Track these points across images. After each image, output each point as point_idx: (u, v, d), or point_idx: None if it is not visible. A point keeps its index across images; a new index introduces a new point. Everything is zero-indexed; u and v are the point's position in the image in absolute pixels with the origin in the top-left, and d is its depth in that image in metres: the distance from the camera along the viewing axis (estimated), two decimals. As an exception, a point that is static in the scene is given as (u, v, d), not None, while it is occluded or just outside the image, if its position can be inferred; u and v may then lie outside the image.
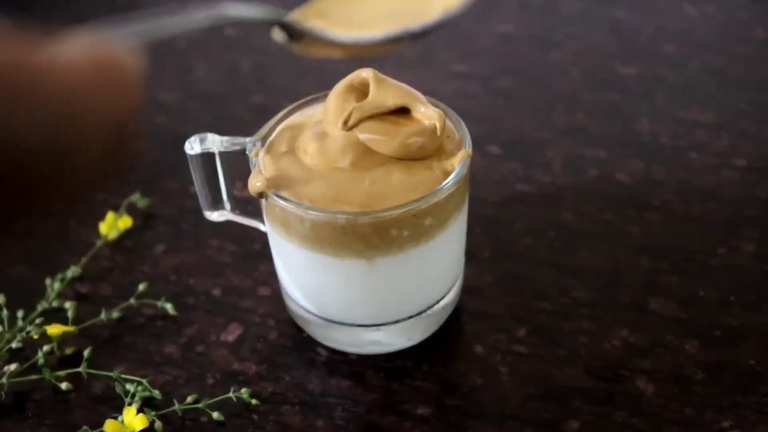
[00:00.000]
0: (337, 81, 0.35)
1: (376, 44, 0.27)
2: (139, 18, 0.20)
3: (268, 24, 0.25)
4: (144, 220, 0.48)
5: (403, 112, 0.35)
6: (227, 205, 0.39)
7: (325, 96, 0.37)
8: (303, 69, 0.61)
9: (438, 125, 0.34)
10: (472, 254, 0.43)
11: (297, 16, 0.28)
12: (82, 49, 0.16)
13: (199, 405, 0.37)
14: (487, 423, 0.36)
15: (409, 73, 0.60)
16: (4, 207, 0.15)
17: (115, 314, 0.42)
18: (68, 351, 0.40)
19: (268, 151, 0.36)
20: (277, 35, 0.27)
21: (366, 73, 0.34)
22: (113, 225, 0.46)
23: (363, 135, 0.34)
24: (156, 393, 0.38)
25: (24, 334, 0.40)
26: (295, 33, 0.26)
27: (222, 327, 0.41)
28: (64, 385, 0.38)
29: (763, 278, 0.43)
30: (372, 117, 0.34)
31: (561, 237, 0.46)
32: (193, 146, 0.36)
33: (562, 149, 0.52)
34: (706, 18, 0.65)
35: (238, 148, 0.36)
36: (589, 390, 0.38)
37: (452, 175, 0.34)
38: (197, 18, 0.21)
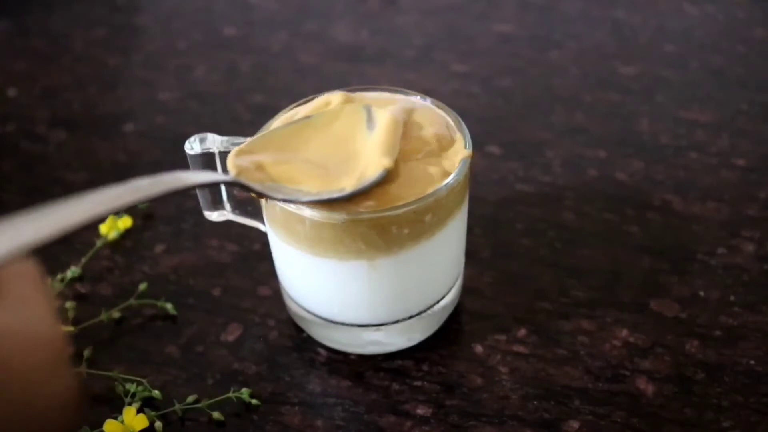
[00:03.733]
0: (337, 82, 0.35)
1: (302, 206, 0.32)
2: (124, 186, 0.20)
3: (223, 184, 0.32)
4: (144, 220, 0.48)
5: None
6: (227, 205, 0.39)
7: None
8: (303, 69, 0.61)
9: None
10: (472, 254, 0.43)
11: (249, 149, 0.33)
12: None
13: (199, 405, 0.37)
14: (487, 423, 0.36)
15: (409, 73, 0.60)
16: None
17: (115, 314, 0.42)
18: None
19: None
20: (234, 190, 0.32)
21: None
22: (113, 225, 0.46)
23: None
24: (156, 393, 0.38)
25: (24, 334, 0.40)
26: (247, 189, 0.32)
27: (222, 327, 0.41)
28: (64, 385, 0.38)
29: (763, 278, 0.43)
30: None
31: (561, 237, 0.46)
32: (193, 146, 0.36)
33: (562, 149, 0.52)
34: (706, 18, 0.65)
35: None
36: (589, 390, 0.37)
37: (452, 175, 0.34)
38: (162, 184, 0.23)
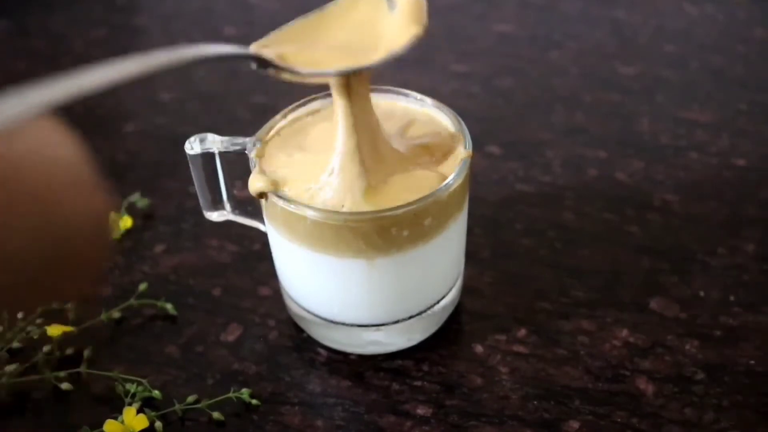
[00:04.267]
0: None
1: (330, 76, 0.32)
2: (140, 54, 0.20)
3: (244, 58, 0.30)
4: (144, 220, 0.48)
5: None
6: (227, 205, 0.39)
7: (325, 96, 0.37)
8: (303, 69, 0.61)
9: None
10: (472, 254, 0.43)
11: (268, 44, 0.32)
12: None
13: (199, 405, 0.37)
14: (487, 423, 0.36)
15: (409, 73, 0.60)
16: None
17: (115, 314, 0.42)
18: (68, 351, 0.40)
19: (268, 150, 0.36)
20: (253, 65, 0.31)
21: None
22: (113, 225, 0.46)
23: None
24: (156, 393, 0.38)
25: (24, 334, 0.40)
26: (266, 64, 0.31)
27: (222, 327, 0.41)
28: (64, 385, 0.38)
29: (763, 278, 0.43)
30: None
31: (561, 237, 0.46)
32: (193, 146, 0.36)
33: (562, 149, 0.52)
34: (706, 18, 0.65)
35: (238, 148, 0.36)
36: (589, 390, 0.37)
37: (452, 175, 0.34)
38: (185, 55, 0.24)
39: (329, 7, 0.34)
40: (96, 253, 0.13)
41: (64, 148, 0.14)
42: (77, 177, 0.13)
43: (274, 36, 0.33)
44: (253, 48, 0.32)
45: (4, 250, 0.12)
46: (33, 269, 0.13)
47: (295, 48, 0.32)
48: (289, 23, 0.34)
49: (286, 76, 0.31)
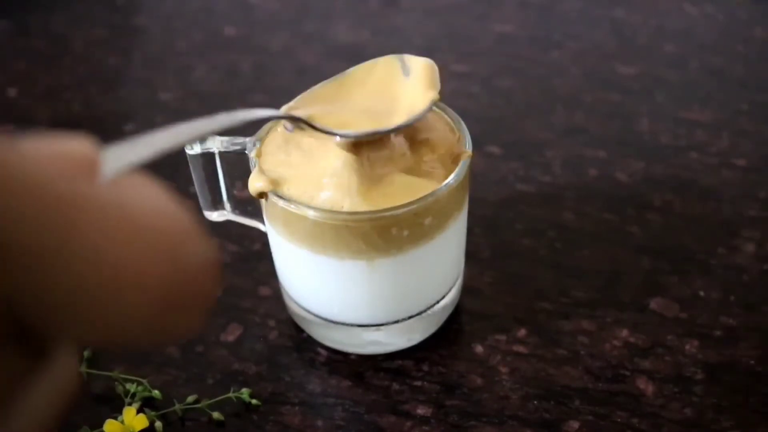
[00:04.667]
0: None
1: (362, 137, 0.34)
2: (169, 127, 0.22)
3: (281, 118, 0.33)
4: (144, 220, 0.48)
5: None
6: (227, 205, 0.39)
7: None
8: (303, 69, 0.61)
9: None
10: (472, 254, 0.43)
11: (296, 106, 0.35)
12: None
13: (199, 405, 0.37)
14: (487, 423, 0.36)
15: (409, 73, 0.60)
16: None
17: (115, 314, 0.42)
18: (68, 351, 0.40)
19: (268, 150, 0.36)
20: (288, 126, 0.35)
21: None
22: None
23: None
24: (156, 393, 0.38)
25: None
26: (302, 125, 0.33)
27: (222, 327, 0.41)
28: (64, 385, 0.38)
29: (763, 278, 0.43)
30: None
31: (561, 237, 0.46)
32: (193, 146, 0.36)
33: (562, 149, 0.52)
34: (706, 18, 0.65)
35: (238, 148, 0.36)
36: (589, 390, 0.38)
37: (452, 175, 0.34)
38: (227, 120, 0.26)
39: (348, 74, 0.37)
40: (207, 296, 0.14)
41: (164, 195, 0.15)
42: (185, 219, 0.14)
43: (300, 99, 0.35)
44: (284, 109, 0.34)
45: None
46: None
47: (321, 110, 0.34)
48: (312, 88, 0.36)
49: (315, 135, 0.34)
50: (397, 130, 0.34)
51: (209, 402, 0.37)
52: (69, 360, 0.15)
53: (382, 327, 0.38)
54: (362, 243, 0.34)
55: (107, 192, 0.13)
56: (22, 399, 0.13)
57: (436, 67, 0.37)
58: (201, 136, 0.23)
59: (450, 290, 0.39)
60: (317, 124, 0.33)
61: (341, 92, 0.36)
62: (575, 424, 0.36)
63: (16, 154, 0.12)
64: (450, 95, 0.56)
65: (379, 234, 0.33)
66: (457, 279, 0.40)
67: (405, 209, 0.33)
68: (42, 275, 0.11)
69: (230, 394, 0.38)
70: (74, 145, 0.14)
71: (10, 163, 0.11)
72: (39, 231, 0.11)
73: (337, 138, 0.33)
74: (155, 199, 0.14)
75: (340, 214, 0.33)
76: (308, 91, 0.36)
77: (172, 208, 0.14)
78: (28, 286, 0.11)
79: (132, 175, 0.15)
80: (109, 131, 0.56)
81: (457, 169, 0.34)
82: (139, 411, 0.37)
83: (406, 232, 0.34)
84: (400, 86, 0.36)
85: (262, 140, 0.36)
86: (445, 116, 0.38)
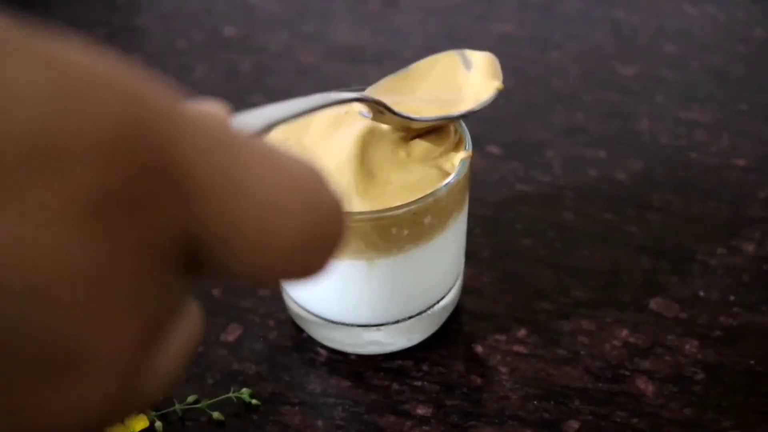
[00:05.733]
0: (337, 82, 0.36)
1: (436, 122, 0.36)
2: (266, 107, 0.23)
3: (359, 101, 0.33)
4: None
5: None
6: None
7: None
8: (303, 69, 0.61)
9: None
10: (472, 254, 0.43)
11: (373, 93, 0.36)
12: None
13: (199, 405, 0.37)
14: (487, 423, 0.36)
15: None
16: None
17: (115, 314, 0.42)
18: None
19: None
20: (364, 110, 0.35)
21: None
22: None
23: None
24: (156, 393, 0.38)
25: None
26: (380, 109, 0.34)
27: (222, 327, 0.41)
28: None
29: (763, 278, 0.43)
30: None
31: (561, 237, 0.46)
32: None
33: (562, 149, 0.52)
34: (706, 18, 0.65)
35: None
36: (589, 390, 0.38)
37: (452, 175, 0.34)
38: (317, 101, 0.27)
39: (411, 68, 0.38)
40: (339, 236, 0.15)
41: (290, 152, 0.16)
42: (316, 169, 0.16)
43: (370, 90, 0.37)
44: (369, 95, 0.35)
45: None
46: None
47: (391, 100, 0.35)
48: (377, 83, 0.37)
49: (384, 120, 0.35)
50: (468, 115, 0.35)
51: (209, 402, 0.37)
52: (197, 306, 0.16)
53: (382, 327, 0.38)
54: (362, 243, 0.34)
55: (256, 141, 0.14)
56: (173, 334, 0.14)
57: (497, 60, 0.38)
58: (306, 111, 0.26)
59: (450, 290, 0.39)
60: (397, 110, 0.34)
61: (405, 85, 0.37)
62: (575, 424, 0.36)
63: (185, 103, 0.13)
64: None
65: (378, 234, 0.33)
66: (457, 279, 0.40)
67: (404, 209, 0.33)
68: (214, 204, 0.12)
69: (230, 394, 0.38)
70: (212, 108, 0.16)
71: (185, 109, 0.12)
72: (216, 165, 0.12)
73: (415, 121, 0.34)
74: (288, 152, 0.15)
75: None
76: (374, 85, 0.37)
77: (304, 160, 0.15)
78: (206, 217, 0.12)
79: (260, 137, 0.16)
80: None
81: (456, 169, 0.34)
82: (139, 411, 0.37)
83: (405, 232, 0.34)
84: (463, 78, 0.38)
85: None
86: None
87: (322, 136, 0.35)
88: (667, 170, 0.50)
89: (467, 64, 0.38)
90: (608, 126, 0.54)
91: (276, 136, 0.36)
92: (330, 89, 0.39)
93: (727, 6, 0.66)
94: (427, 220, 0.34)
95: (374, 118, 0.35)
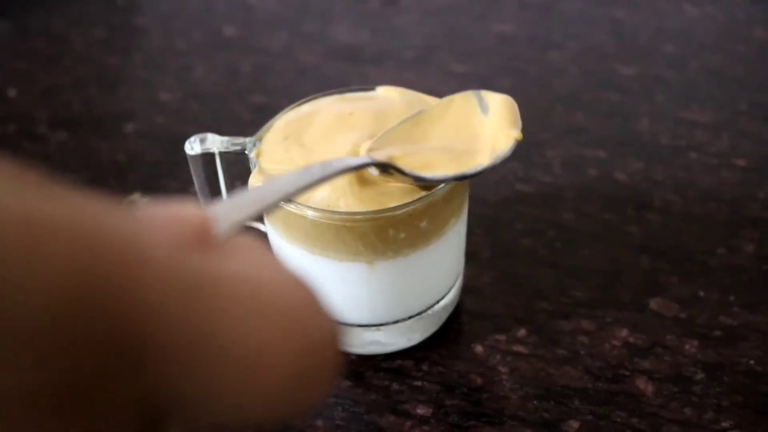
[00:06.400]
0: (337, 82, 0.36)
1: (450, 181, 0.33)
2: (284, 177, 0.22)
3: (367, 166, 0.32)
4: (144, 220, 0.48)
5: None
6: (227, 205, 0.39)
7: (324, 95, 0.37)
8: (303, 69, 0.61)
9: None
10: (472, 254, 0.43)
11: (376, 146, 0.33)
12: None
13: (199, 405, 0.37)
14: (487, 423, 0.36)
15: (409, 73, 0.60)
16: None
17: (115, 314, 0.41)
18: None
19: (267, 147, 0.36)
20: (374, 170, 0.33)
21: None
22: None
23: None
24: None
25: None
26: (389, 170, 0.32)
27: (222, 327, 0.41)
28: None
29: (763, 278, 0.43)
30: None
31: (561, 237, 0.46)
32: (193, 146, 0.36)
33: (562, 149, 0.52)
34: (706, 18, 0.65)
35: (238, 148, 0.36)
36: (589, 390, 0.38)
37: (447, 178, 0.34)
38: (315, 175, 0.24)
39: (424, 112, 0.35)
40: (334, 367, 0.13)
41: (281, 264, 0.14)
42: (308, 290, 0.14)
43: (380, 139, 0.34)
44: (367, 151, 0.33)
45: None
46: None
47: (401, 151, 0.33)
48: (390, 128, 0.34)
49: (402, 180, 0.33)
50: (483, 172, 0.33)
51: (209, 402, 0.37)
52: None
53: (382, 327, 0.38)
54: (360, 245, 0.34)
55: (235, 266, 0.12)
56: None
57: (515, 104, 0.36)
58: (302, 190, 0.23)
59: (450, 290, 0.39)
60: (406, 170, 0.32)
61: (419, 131, 0.35)
62: (575, 424, 0.36)
63: (141, 237, 0.11)
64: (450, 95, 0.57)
65: (376, 235, 0.33)
66: (457, 279, 0.40)
67: (403, 210, 0.33)
68: (182, 368, 0.11)
69: (230, 394, 0.37)
70: (186, 212, 0.13)
71: (150, 246, 0.11)
72: (185, 318, 0.11)
73: (429, 182, 0.33)
74: (276, 268, 0.13)
75: (338, 213, 0.33)
76: (386, 131, 0.34)
77: (293, 277, 0.13)
78: (168, 382, 0.11)
79: (245, 240, 0.14)
80: (109, 131, 0.56)
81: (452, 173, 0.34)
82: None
83: (403, 236, 0.34)
84: (480, 123, 0.35)
85: (261, 140, 0.36)
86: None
87: (324, 136, 0.35)
88: (667, 170, 0.50)
89: (484, 107, 0.36)
90: (608, 126, 0.54)
91: (276, 135, 0.36)
92: (330, 89, 0.39)
93: (727, 6, 0.66)
94: (423, 223, 0.34)
95: (383, 177, 0.33)
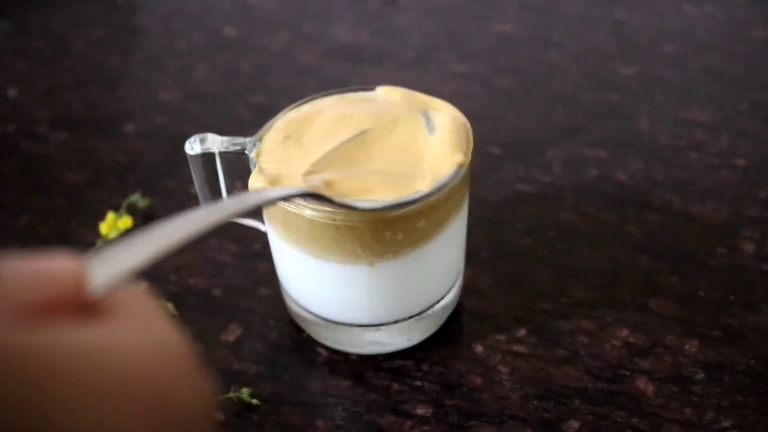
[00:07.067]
0: (337, 82, 0.35)
1: (385, 210, 0.32)
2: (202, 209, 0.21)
3: (291, 198, 0.31)
4: (144, 220, 0.48)
5: None
6: (227, 205, 0.39)
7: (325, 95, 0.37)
8: (302, 69, 0.61)
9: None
10: (472, 254, 0.43)
11: (314, 169, 0.32)
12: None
13: (199, 405, 0.37)
14: (487, 423, 0.36)
15: (409, 73, 0.60)
16: None
17: (115, 314, 0.42)
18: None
19: (267, 147, 0.36)
20: (305, 202, 0.32)
21: None
22: (113, 225, 0.46)
23: None
24: (156, 393, 0.37)
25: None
26: (323, 200, 0.31)
27: (222, 327, 0.41)
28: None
29: (763, 278, 0.43)
30: None
31: (561, 237, 0.46)
32: (193, 146, 0.36)
33: (562, 149, 0.52)
34: (706, 18, 0.65)
35: (238, 148, 0.36)
36: (589, 390, 0.38)
37: (442, 180, 0.34)
38: (252, 201, 0.24)
39: (371, 131, 0.35)
40: None
41: (165, 329, 0.13)
42: (184, 362, 0.13)
43: (320, 161, 0.33)
44: (306, 183, 0.32)
45: None
46: None
47: (340, 174, 0.32)
48: (332, 148, 0.34)
49: (335, 208, 0.32)
50: (422, 200, 0.32)
51: (209, 402, 0.37)
52: None
53: (382, 327, 0.38)
54: (358, 246, 0.34)
55: (84, 337, 0.11)
56: None
57: (465, 124, 0.35)
58: (204, 231, 0.20)
59: (450, 290, 0.39)
60: (336, 199, 0.31)
61: (362, 153, 0.34)
62: (575, 424, 0.36)
63: None
64: (450, 95, 0.57)
65: (373, 237, 0.33)
66: (457, 279, 0.40)
67: (401, 210, 0.32)
68: None
69: (230, 394, 0.38)
70: (55, 265, 0.12)
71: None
72: (7, 413, 0.10)
73: (362, 210, 0.32)
74: (153, 331, 0.12)
75: (337, 213, 0.33)
76: (328, 151, 0.34)
77: (170, 342, 0.12)
78: None
79: (133, 294, 0.13)
80: (109, 131, 0.56)
81: (449, 174, 0.34)
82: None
83: (400, 236, 0.34)
84: (424, 144, 0.34)
85: (261, 140, 0.36)
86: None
87: (324, 136, 0.35)
88: (667, 170, 0.50)
89: (431, 127, 0.35)
90: (608, 126, 0.54)
91: (276, 135, 0.36)
92: (330, 89, 0.39)
93: (727, 6, 0.66)
94: (421, 221, 0.34)
95: (317, 207, 0.32)
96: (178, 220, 0.19)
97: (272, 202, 0.29)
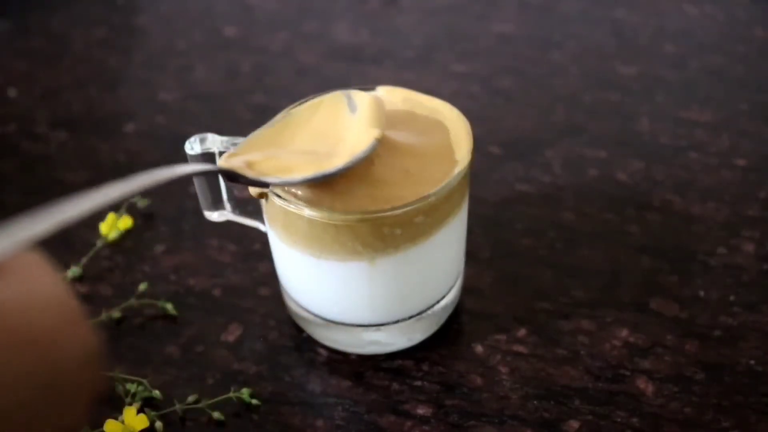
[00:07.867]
0: (337, 82, 0.35)
1: (297, 184, 0.33)
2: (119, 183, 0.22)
3: (215, 173, 0.33)
4: (144, 220, 0.48)
5: None
6: (227, 206, 0.39)
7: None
8: (302, 69, 0.61)
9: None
10: (472, 254, 0.43)
11: (238, 152, 0.33)
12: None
13: (199, 405, 0.37)
14: (487, 423, 0.36)
15: (409, 73, 0.60)
16: None
17: (115, 314, 0.42)
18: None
19: (251, 142, 0.35)
20: (222, 179, 0.33)
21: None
22: (113, 225, 0.46)
23: None
24: (156, 393, 0.38)
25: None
26: (235, 177, 0.32)
27: (222, 327, 0.41)
28: (63, 386, 0.38)
29: (763, 278, 0.43)
30: None
31: (561, 237, 0.46)
32: (193, 146, 0.36)
33: (562, 149, 0.52)
34: (706, 18, 0.65)
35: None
36: (589, 390, 0.38)
37: (446, 180, 0.34)
38: (163, 175, 0.26)
39: (294, 113, 0.36)
40: (89, 390, 0.14)
41: (50, 285, 0.14)
42: (67, 313, 0.14)
43: (243, 144, 0.34)
44: (222, 159, 0.33)
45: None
46: (26, 408, 0.13)
47: (262, 155, 0.33)
48: (256, 131, 0.35)
49: (250, 184, 0.33)
50: (338, 173, 0.32)
51: (209, 402, 0.37)
52: None
53: (382, 327, 0.38)
54: (358, 244, 0.34)
55: None
56: None
57: (382, 102, 0.35)
58: (107, 203, 0.22)
59: (450, 290, 0.39)
60: (249, 174, 0.32)
61: (285, 135, 0.35)
62: (575, 424, 0.36)
63: None
64: (450, 95, 0.57)
65: (372, 234, 0.33)
66: (457, 279, 0.40)
67: (400, 210, 0.32)
68: None
69: (230, 394, 0.38)
70: None
71: None
72: None
73: (271, 186, 0.33)
74: (42, 290, 0.13)
75: (335, 213, 0.33)
76: (252, 134, 0.34)
77: (57, 299, 0.13)
78: None
79: (25, 259, 0.14)
80: (109, 131, 0.56)
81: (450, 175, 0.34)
82: (139, 411, 0.37)
83: (398, 231, 0.34)
84: (345, 123, 0.35)
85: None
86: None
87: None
88: (667, 170, 0.50)
89: (353, 106, 0.35)
90: (608, 126, 0.54)
91: (272, 130, 0.36)
92: (330, 89, 0.39)
93: (727, 6, 0.66)
94: (419, 219, 0.34)
95: (230, 183, 0.32)
96: (85, 194, 0.20)
97: (181, 176, 0.29)
